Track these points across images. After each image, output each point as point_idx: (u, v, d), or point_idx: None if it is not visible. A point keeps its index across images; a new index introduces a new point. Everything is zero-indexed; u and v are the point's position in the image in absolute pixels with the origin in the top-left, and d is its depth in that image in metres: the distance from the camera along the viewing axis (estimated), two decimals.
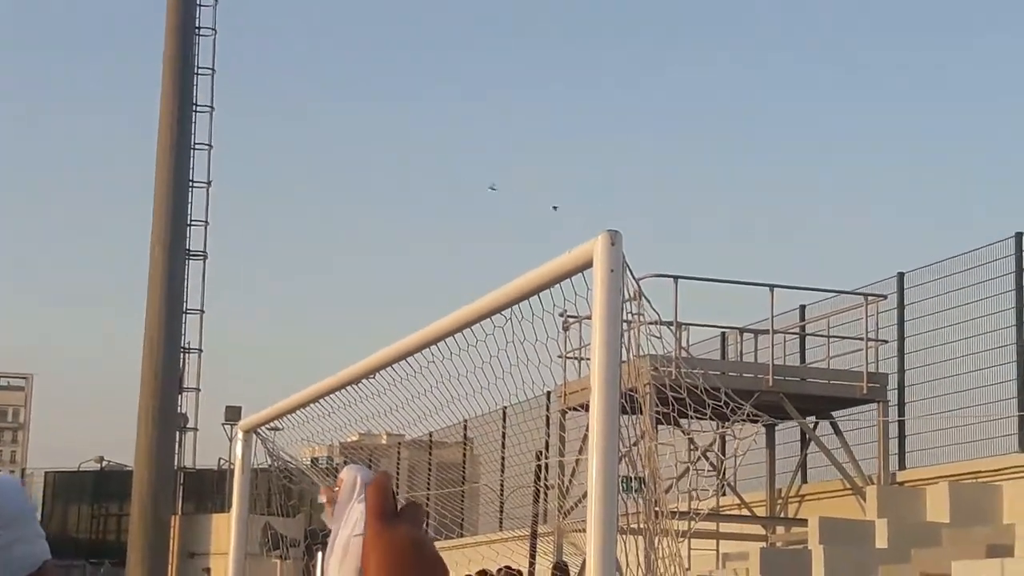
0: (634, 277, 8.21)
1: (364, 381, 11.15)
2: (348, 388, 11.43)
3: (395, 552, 1.47)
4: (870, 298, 18.29)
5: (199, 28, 34.29)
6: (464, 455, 27.77)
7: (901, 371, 18.50)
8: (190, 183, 33.39)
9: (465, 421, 21.27)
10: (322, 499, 10.92)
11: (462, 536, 23.39)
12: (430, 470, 28.69)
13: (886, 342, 18.45)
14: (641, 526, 9.77)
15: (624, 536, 9.03)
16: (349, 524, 9.12)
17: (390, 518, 1.50)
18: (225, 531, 14.07)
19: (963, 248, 17.66)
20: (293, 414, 12.66)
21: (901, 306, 18.56)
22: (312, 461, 17.76)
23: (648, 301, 9.96)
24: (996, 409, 16.90)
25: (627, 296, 8.23)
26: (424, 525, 1.54)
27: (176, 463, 35.40)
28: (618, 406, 7.48)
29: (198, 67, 34.01)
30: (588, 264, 7.38)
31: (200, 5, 34.31)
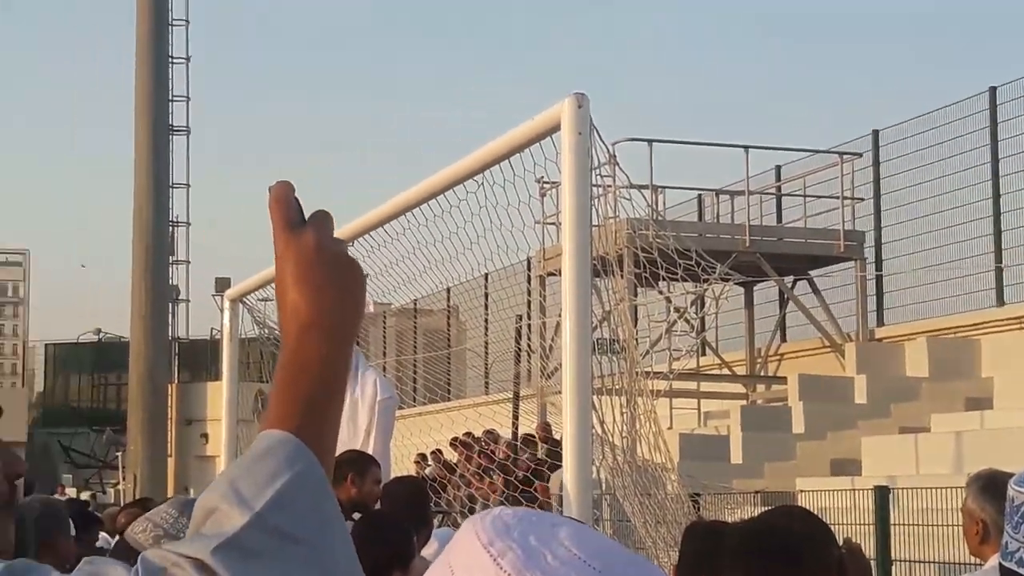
0: (604, 141, 7.90)
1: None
2: None
3: (303, 260, 1.40)
4: (845, 156, 18.01)
5: None
6: (448, 321, 27.70)
7: (878, 228, 18.32)
8: (170, 59, 32.86)
9: (448, 288, 21.13)
10: None
11: (448, 400, 23.46)
12: (415, 336, 28.66)
13: (862, 200, 18.25)
14: (620, 386, 9.66)
15: (602, 396, 8.92)
16: (366, 391, 9.15)
17: (296, 227, 1.42)
18: (219, 398, 14.12)
19: (937, 104, 17.41)
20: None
21: (876, 164, 18.31)
22: None
23: (618, 165, 9.74)
24: (973, 264, 16.79)
25: (599, 161, 7.96)
26: (334, 235, 1.44)
27: (170, 333, 35.45)
28: (589, 269, 7.24)
29: None
30: (556, 128, 7.12)
31: None
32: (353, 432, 8.71)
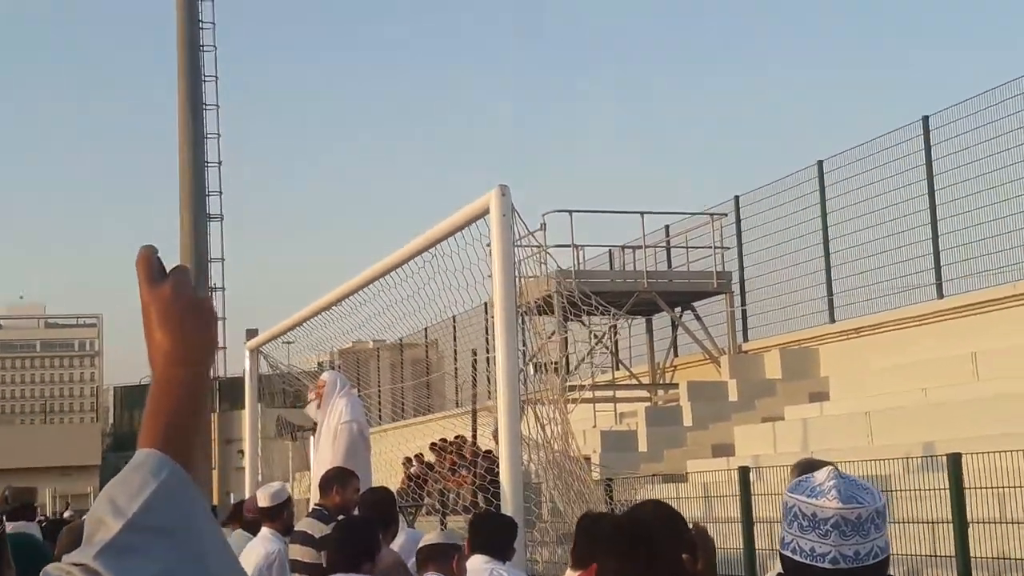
0: (522, 219, 8.09)
1: (342, 302, 11.12)
2: (333, 308, 11.42)
3: (163, 306, 1.33)
4: (715, 216, 18.28)
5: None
6: (427, 352, 27.73)
7: (741, 269, 18.50)
8: (206, 164, 32.90)
9: (426, 328, 21.22)
10: (311, 396, 10.97)
11: (429, 413, 23.53)
12: (402, 365, 28.66)
13: (729, 248, 18.44)
14: (553, 397, 9.83)
15: (531, 405, 9.06)
16: (334, 415, 9.01)
17: (157, 280, 1.35)
18: None
19: (778, 176, 17.68)
20: (298, 329, 12.69)
21: (738, 221, 18.51)
22: (319, 365, 17.64)
23: (532, 233, 9.92)
24: (810, 293, 16.97)
25: (523, 232, 8.18)
26: (190, 284, 1.36)
27: (212, 373, 35.24)
28: (515, 314, 7.49)
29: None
30: (486, 211, 7.38)
31: None
32: (329, 450, 8.30)
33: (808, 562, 2.00)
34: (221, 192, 34.95)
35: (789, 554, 2.04)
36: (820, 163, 16.79)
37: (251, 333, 34.10)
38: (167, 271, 1.37)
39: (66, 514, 28.06)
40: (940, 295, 14.45)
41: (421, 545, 4.79)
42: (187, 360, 1.32)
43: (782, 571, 2.10)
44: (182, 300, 1.34)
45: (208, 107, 33.46)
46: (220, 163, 34.44)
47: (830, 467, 2.14)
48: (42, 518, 17.13)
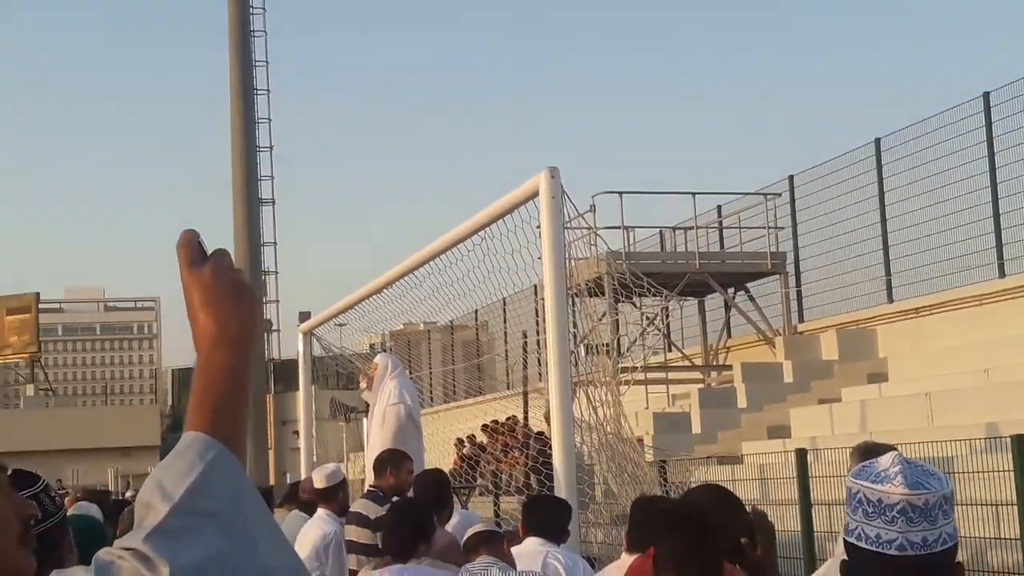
0: (571, 201, 7.98)
1: (393, 285, 11.12)
2: (384, 291, 11.43)
3: (204, 289, 1.33)
4: (768, 196, 18.05)
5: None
6: (477, 334, 27.77)
7: (796, 249, 18.25)
8: (257, 148, 33.14)
9: (476, 310, 21.21)
10: (362, 384, 10.94)
11: (480, 395, 23.54)
12: (453, 347, 28.74)
13: (783, 228, 18.21)
14: (605, 379, 9.75)
15: (583, 387, 8.98)
16: (384, 398, 9.00)
17: (197, 264, 1.34)
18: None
19: (835, 154, 17.41)
20: (350, 312, 12.75)
21: (793, 201, 18.29)
22: (370, 347, 17.74)
23: (582, 215, 9.81)
24: (868, 272, 16.69)
25: (574, 213, 8.08)
26: (231, 266, 1.35)
27: (266, 356, 35.65)
28: (565, 294, 7.42)
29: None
30: (536, 193, 7.32)
31: None
32: (379, 433, 8.26)
33: (874, 549, 1.93)
34: (273, 177, 35.33)
35: (854, 541, 1.97)
36: (877, 141, 16.49)
37: (304, 316, 34.40)
38: (207, 254, 1.36)
39: (127, 494, 28.53)
40: (1002, 274, 14.14)
41: (469, 534, 4.74)
42: (230, 342, 1.32)
43: (845, 557, 2.01)
44: (222, 282, 1.34)
45: (259, 92, 33.76)
46: (271, 147, 34.81)
47: (894, 452, 2.06)
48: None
